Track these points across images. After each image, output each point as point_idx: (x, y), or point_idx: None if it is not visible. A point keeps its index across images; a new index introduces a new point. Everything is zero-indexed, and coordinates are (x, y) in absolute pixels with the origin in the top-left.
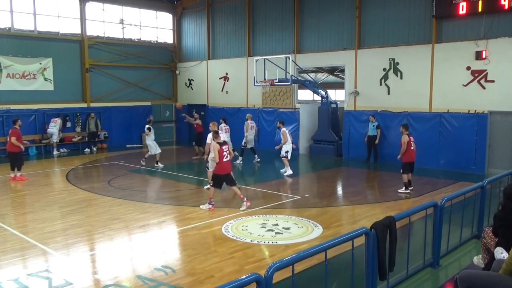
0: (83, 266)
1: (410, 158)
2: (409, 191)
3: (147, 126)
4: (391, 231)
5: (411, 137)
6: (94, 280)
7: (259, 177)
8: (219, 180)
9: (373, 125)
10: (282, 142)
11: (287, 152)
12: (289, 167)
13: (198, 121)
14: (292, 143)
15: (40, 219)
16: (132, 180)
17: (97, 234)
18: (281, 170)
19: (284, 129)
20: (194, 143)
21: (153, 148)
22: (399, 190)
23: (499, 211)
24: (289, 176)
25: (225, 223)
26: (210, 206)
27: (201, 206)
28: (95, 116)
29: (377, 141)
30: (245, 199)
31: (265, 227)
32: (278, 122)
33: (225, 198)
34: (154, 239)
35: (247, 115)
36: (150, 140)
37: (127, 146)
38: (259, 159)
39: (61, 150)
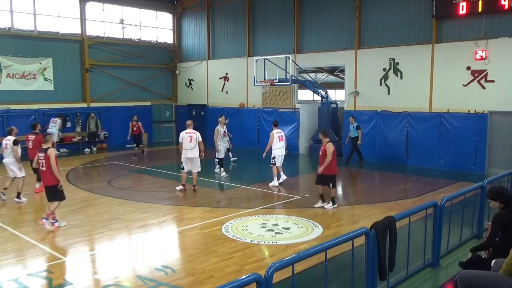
0: (83, 266)
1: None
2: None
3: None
4: (391, 231)
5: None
6: (94, 280)
7: (259, 177)
8: None
9: (353, 126)
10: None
11: (273, 158)
12: (275, 177)
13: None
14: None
15: (40, 219)
16: (132, 180)
17: (97, 234)
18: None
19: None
20: (136, 145)
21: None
22: (327, 206)
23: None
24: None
25: (225, 223)
26: (46, 221)
27: (47, 227)
28: (95, 116)
29: (359, 142)
30: (50, 218)
31: (265, 227)
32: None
33: (224, 199)
34: (154, 239)
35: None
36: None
37: (127, 146)
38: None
39: (61, 150)
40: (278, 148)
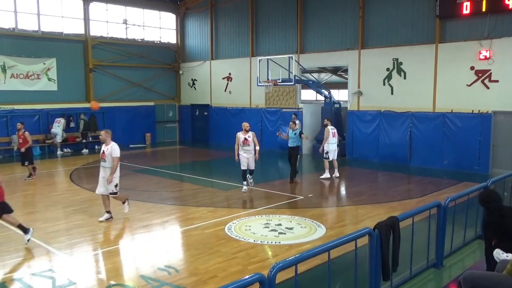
0: (86, 265)
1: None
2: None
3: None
4: (395, 231)
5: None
6: (97, 280)
7: (262, 178)
8: None
9: (295, 133)
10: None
11: (327, 152)
12: (327, 170)
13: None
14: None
15: (43, 219)
16: (134, 180)
17: (100, 234)
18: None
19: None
20: (26, 162)
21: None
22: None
23: (488, 217)
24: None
25: (228, 223)
26: None
27: None
28: (85, 116)
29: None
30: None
31: (268, 227)
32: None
33: (227, 199)
34: (157, 239)
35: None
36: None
37: (130, 146)
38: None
39: (65, 150)
40: (331, 143)
